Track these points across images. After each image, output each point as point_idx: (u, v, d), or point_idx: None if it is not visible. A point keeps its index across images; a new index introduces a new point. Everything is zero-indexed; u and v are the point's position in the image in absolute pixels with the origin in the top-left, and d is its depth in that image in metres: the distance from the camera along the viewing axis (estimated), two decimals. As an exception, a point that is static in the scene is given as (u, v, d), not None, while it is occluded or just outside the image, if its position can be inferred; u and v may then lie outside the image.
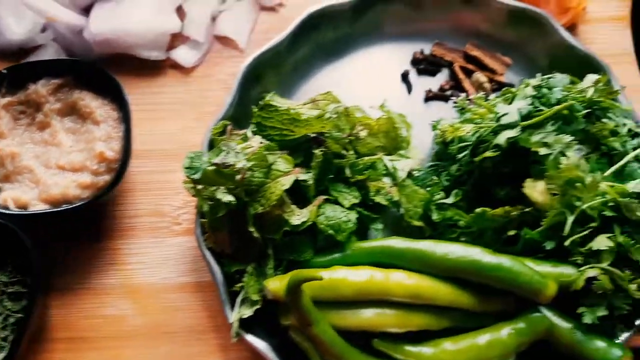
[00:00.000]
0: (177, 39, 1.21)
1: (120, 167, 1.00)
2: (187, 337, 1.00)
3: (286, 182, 0.87)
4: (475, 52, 1.12)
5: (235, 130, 1.03)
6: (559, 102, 0.93)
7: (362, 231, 0.97)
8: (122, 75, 1.15)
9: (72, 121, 1.07)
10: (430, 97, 1.13)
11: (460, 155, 0.98)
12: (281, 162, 0.89)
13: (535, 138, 0.92)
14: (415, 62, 1.15)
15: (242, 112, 1.04)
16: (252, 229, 0.89)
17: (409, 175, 1.02)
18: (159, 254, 1.06)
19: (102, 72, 1.05)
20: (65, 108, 1.06)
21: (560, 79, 0.96)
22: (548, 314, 0.91)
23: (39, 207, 0.98)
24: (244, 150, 0.89)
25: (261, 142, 0.90)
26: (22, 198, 0.99)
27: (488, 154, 0.94)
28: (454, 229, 0.99)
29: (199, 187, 0.90)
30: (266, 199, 0.87)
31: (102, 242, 1.06)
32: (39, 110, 1.06)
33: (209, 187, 0.88)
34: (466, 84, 1.12)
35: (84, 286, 1.03)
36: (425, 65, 1.15)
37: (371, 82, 1.15)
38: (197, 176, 0.83)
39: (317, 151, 0.90)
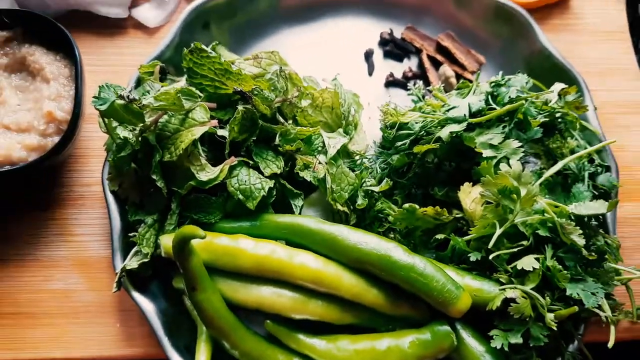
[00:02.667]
0: None
1: (70, 127, 0.90)
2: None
3: (198, 132, 0.80)
4: (448, 43, 1.04)
5: (173, 77, 0.97)
6: (512, 102, 0.85)
7: (284, 208, 0.90)
8: (79, 33, 1.08)
9: (21, 78, 0.97)
10: (390, 81, 1.05)
11: (399, 144, 0.90)
12: (199, 111, 0.82)
13: (482, 139, 0.84)
14: (382, 42, 1.07)
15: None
16: (155, 177, 0.82)
17: (348, 157, 0.95)
18: (111, 225, 0.95)
19: (53, 25, 0.95)
20: (13, 63, 0.97)
21: (519, 80, 0.88)
22: (461, 330, 0.83)
23: None
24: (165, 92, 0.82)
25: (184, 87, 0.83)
26: None
27: (429, 146, 0.86)
28: (383, 223, 0.92)
29: (113, 124, 0.84)
30: (175, 147, 0.80)
31: (49, 210, 0.98)
32: None
33: (117, 125, 0.81)
34: (431, 75, 1.04)
35: (29, 258, 0.95)
36: (392, 48, 1.07)
37: (332, 54, 1.07)
38: (103, 107, 0.77)
39: (240, 107, 0.82)
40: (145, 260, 0.84)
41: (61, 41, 0.95)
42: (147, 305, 0.86)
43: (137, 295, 0.85)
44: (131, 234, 0.86)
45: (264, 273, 0.83)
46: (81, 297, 0.93)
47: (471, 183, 0.86)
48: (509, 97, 0.85)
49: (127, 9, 1.10)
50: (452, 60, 1.04)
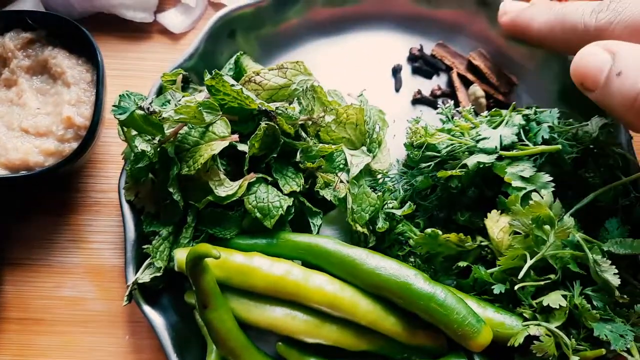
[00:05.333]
0: (167, 1, 1.10)
1: (88, 134, 0.88)
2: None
3: (217, 147, 0.77)
4: (479, 62, 1.00)
5: (195, 85, 0.95)
6: (545, 141, 0.82)
7: (303, 226, 0.88)
8: (103, 36, 1.06)
9: (42, 81, 0.95)
10: (417, 99, 1.02)
11: (423, 165, 0.87)
12: (220, 125, 0.80)
13: (512, 169, 0.81)
14: (411, 58, 1.04)
15: (209, 68, 0.94)
16: (172, 190, 0.80)
17: (370, 176, 0.92)
18: (126, 234, 0.92)
19: (77, 28, 0.93)
20: (35, 66, 0.95)
21: (551, 114, 0.85)
22: (479, 365, 0.80)
23: None
24: (186, 103, 0.80)
25: (206, 99, 0.81)
26: None
27: (454, 172, 0.83)
28: (403, 247, 0.88)
29: (132, 133, 0.82)
30: (194, 161, 0.78)
31: (63, 216, 0.97)
32: (6, 65, 0.95)
33: (136, 134, 0.80)
34: (461, 94, 1.00)
35: (41, 263, 0.94)
36: (421, 64, 1.03)
37: (359, 68, 1.04)
38: (122, 117, 0.75)
39: (262, 123, 0.80)
40: (158, 274, 0.82)
41: (84, 45, 0.93)
42: (157, 319, 0.84)
43: (147, 309, 0.84)
44: (145, 246, 0.84)
45: (279, 294, 0.80)
46: (91, 305, 0.92)
47: (499, 211, 0.83)
48: (542, 137, 0.82)
49: (152, 14, 1.08)
50: (483, 79, 1.00)
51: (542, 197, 0.78)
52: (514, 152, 0.83)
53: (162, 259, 0.82)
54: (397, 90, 1.03)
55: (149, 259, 0.84)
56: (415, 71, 1.04)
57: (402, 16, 1.04)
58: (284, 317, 0.80)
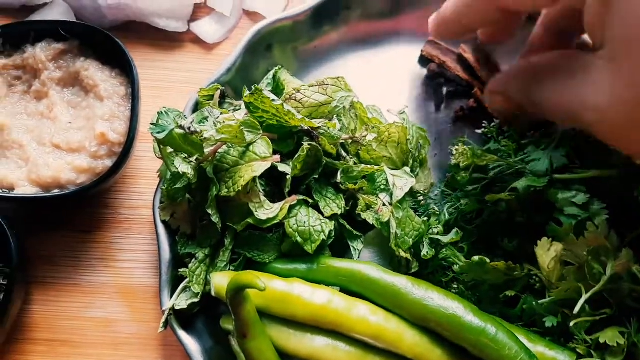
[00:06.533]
0: (201, 10, 1.06)
1: (123, 152, 0.84)
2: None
3: (259, 168, 0.74)
4: (469, 55, 0.94)
5: (231, 100, 0.91)
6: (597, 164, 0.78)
7: (342, 248, 0.84)
8: (135, 46, 1.03)
9: (73, 94, 0.92)
10: (460, 116, 0.98)
11: (469, 188, 0.84)
12: (260, 144, 0.76)
13: (564, 196, 0.77)
14: (429, 77, 1.00)
15: (245, 82, 0.91)
16: (210, 212, 0.77)
17: (412, 197, 0.88)
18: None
19: (110, 40, 0.90)
20: (67, 78, 0.92)
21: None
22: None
23: (26, 189, 0.85)
24: (225, 121, 0.77)
25: (246, 116, 0.77)
26: (9, 177, 0.85)
27: (502, 195, 0.79)
28: (447, 272, 0.85)
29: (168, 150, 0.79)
30: (234, 182, 0.75)
31: (92, 233, 0.93)
32: (37, 77, 0.92)
33: (173, 153, 0.76)
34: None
35: (70, 282, 0.90)
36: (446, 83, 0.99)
37: (400, 84, 1.00)
38: (161, 136, 0.72)
39: (305, 144, 0.77)
40: (195, 300, 0.79)
41: (118, 57, 0.90)
42: (193, 345, 0.81)
43: (182, 334, 0.80)
44: (181, 270, 0.81)
45: (320, 324, 0.77)
46: (122, 327, 0.88)
47: (550, 239, 0.79)
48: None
49: (186, 23, 1.04)
50: (473, 74, 0.96)
51: (597, 227, 0.74)
52: (567, 175, 0.79)
53: (199, 283, 0.79)
54: (437, 109, 0.99)
55: (184, 282, 0.81)
56: (451, 96, 1.00)
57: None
58: (325, 348, 0.77)
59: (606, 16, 0.59)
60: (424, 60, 1.01)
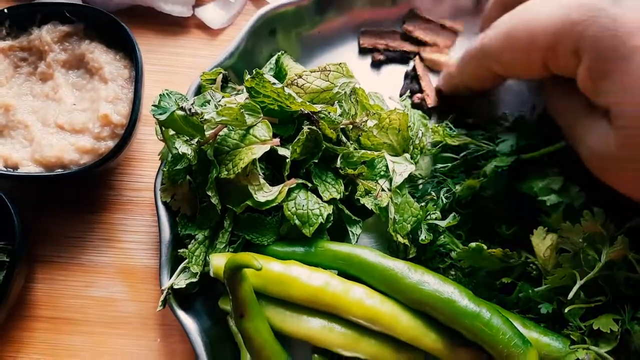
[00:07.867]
0: None
1: (126, 134, 0.85)
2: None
3: (258, 151, 0.75)
4: (418, 32, 0.98)
5: (234, 84, 0.92)
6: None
7: (341, 233, 0.85)
8: (140, 30, 1.03)
9: (78, 76, 0.93)
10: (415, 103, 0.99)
11: (439, 166, 0.85)
12: (261, 127, 0.77)
13: (542, 184, 0.78)
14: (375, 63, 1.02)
15: (248, 67, 0.92)
16: (210, 193, 0.78)
17: (411, 183, 0.89)
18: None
19: (116, 23, 0.90)
20: (72, 60, 0.93)
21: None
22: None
23: (30, 168, 0.86)
24: (227, 104, 0.77)
25: (247, 100, 0.78)
26: (13, 157, 0.86)
27: (471, 181, 0.80)
28: (444, 259, 0.85)
29: (169, 132, 0.80)
30: (234, 165, 0.76)
31: (95, 214, 0.94)
32: (42, 59, 0.93)
33: (175, 135, 0.77)
34: (425, 82, 0.97)
35: (73, 261, 0.92)
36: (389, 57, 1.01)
37: (403, 71, 1.00)
38: (162, 117, 0.72)
39: (305, 128, 0.77)
40: (194, 280, 0.80)
41: (122, 40, 0.91)
42: (191, 324, 0.82)
43: (181, 314, 0.82)
44: (180, 250, 0.82)
45: (317, 305, 0.78)
46: (123, 307, 0.90)
47: (545, 228, 0.79)
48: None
49: (191, 8, 1.05)
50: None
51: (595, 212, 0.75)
52: (534, 153, 0.79)
53: (198, 264, 0.80)
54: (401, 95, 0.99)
55: (183, 262, 0.82)
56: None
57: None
58: (321, 329, 0.78)
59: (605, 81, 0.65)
60: (364, 52, 1.02)
